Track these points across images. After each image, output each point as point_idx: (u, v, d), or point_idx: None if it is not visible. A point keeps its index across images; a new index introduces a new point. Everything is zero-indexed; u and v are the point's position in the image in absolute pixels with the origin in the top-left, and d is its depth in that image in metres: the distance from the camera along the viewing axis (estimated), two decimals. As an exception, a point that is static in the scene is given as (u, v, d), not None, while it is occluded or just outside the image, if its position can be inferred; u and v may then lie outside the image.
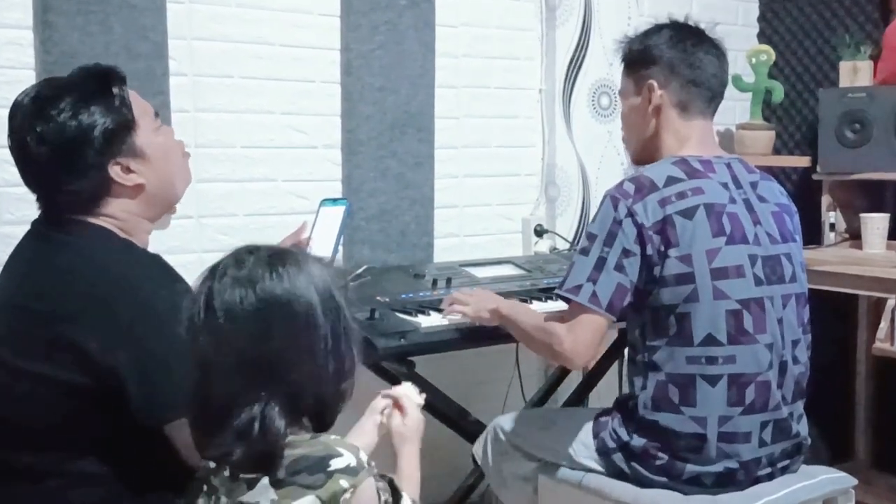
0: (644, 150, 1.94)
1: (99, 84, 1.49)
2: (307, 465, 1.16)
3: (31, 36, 2.09)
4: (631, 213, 1.73)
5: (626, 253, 1.73)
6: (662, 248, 1.72)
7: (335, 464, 1.16)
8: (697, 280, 1.72)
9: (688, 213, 1.73)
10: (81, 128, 1.44)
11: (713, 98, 1.90)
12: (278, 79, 2.42)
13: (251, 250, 1.22)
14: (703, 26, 1.93)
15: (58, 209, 1.50)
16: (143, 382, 1.37)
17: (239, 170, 2.39)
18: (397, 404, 1.42)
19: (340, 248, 2.43)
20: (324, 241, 2.12)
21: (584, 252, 1.76)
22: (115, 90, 1.49)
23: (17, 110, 1.48)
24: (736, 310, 1.73)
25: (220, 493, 1.19)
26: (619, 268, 1.73)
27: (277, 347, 1.16)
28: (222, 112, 2.35)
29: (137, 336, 1.38)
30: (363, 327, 1.81)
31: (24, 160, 1.48)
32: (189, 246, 2.29)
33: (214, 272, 1.20)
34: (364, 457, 1.20)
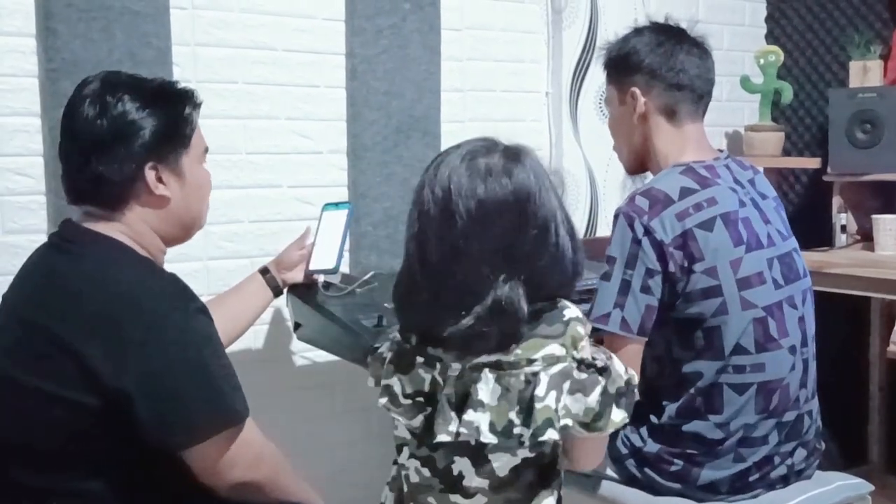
0: (637, 160, 1.92)
1: (175, 96, 1.54)
2: (544, 317, 1.20)
3: (34, 43, 2.07)
4: (648, 231, 1.68)
5: (650, 273, 1.68)
6: (686, 264, 1.68)
7: (568, 313, 1.21)
8: (725, 292, 1.69)
9: (707, 226, 1.70)
10: (141, 119, 1.47)
11: (700, 99, 1.86)
12: (282, 84, 2.40)
13: (489, 147, 1.25)
14: (684, 25, 1.89)
15: (83, 195, 1.49)
16: (152, 406, 1.35)
17: (244, 176, 2.37)
18: None
19: (346, 253, 2.42)
20: (328, 247, 2.09)
21: (607, 277, 1.72)
22: (187, 109, 1.54)
23: (100, 77, 1.50)
24: (761, 317, 1.71)
25: (447, 361, 1.21)
26: (646, 289, 1.68)
27: (525, 237, 1.21)
28: (226, 118, 2.33)
29: (147, 358, 1.35)
30: (370, 334, 1.80)
31: (74, 126, 1.48)
32: (194, 253, 2.27)
33: (455, 164, 1.22)
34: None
